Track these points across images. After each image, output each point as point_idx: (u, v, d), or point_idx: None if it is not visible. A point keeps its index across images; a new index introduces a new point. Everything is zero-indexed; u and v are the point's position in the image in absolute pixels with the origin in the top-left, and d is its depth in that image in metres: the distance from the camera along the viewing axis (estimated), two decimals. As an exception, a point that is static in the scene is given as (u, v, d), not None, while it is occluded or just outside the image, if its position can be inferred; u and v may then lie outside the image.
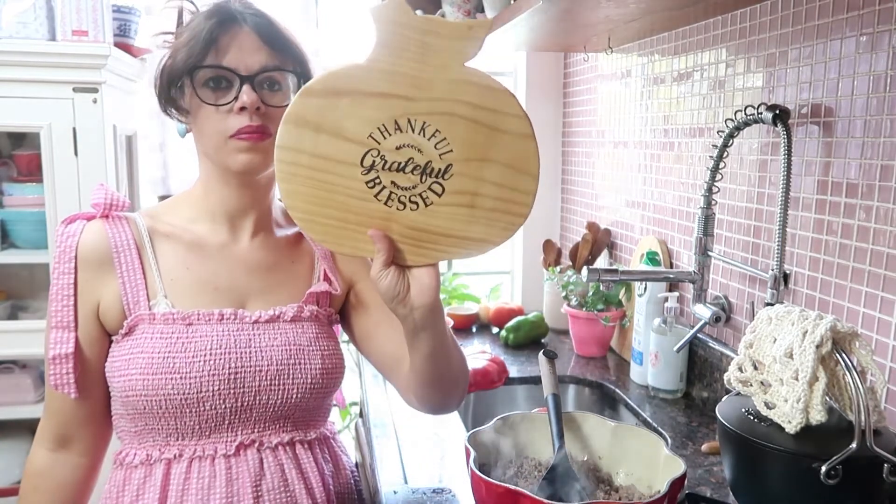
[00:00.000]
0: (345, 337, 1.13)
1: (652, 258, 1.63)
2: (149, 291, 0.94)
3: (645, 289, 1.57)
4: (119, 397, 0.93)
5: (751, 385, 0.95)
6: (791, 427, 0.86)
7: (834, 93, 1.10)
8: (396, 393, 1.08)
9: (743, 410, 0.95)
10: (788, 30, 1.20)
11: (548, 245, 2.06)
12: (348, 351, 1.84)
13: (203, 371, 0.90)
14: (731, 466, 0.95)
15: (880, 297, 1.03)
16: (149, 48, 1.95)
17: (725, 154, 1.27)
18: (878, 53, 1.02)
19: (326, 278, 1.02)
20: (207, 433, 0.93)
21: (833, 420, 0.87)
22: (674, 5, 1.30)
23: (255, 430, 0.95)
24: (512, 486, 0.84)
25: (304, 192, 0.83)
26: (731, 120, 1.23)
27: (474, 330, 2.05)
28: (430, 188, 0.83)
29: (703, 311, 1.34)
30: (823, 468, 0.82)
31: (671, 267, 1.60)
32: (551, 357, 1.12)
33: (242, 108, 0.90)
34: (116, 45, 1.78)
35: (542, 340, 1.93)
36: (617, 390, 1.56)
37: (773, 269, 1.18)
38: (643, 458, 0.98)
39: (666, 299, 1.49)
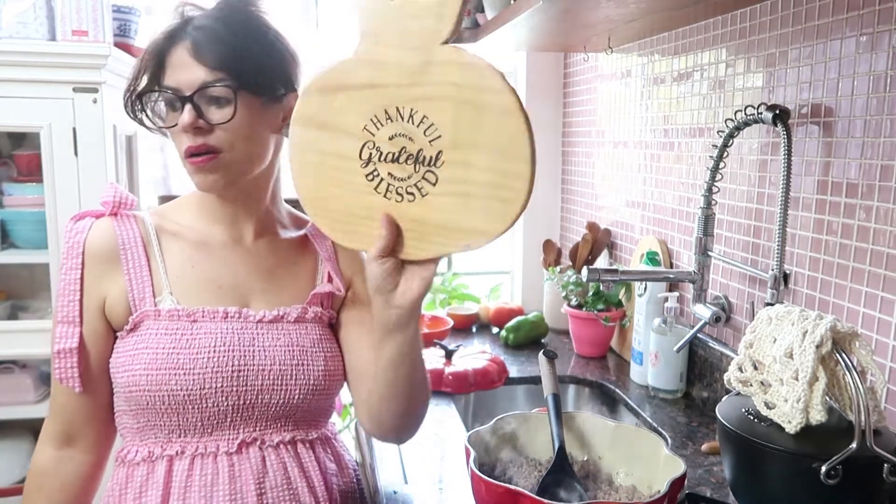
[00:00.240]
0: None
1: (652, 258, 1.63)
2: (154, 288, 0.95)
3: (645, 289, 1.57)
4: (122, 393, 0.94)
5: (751, 385, 0.95)
6: (791, 427, 0.86)
7: (834, 93, 1.10)
8: None
9: (743, 410, 0.95)
10: (788, 30, 1.20)
11: (548, 245, 2.06)
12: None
13: (207, 367, 0.91)
14: (731, 466, 0.95)
15: (880, 297, 1.03)
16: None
17: (725, 154, 1.27)
18: (878, 53, 1.02)
19: (330, 280, 1.03)
20: (210, 430, 0.93)
21: (833, 420, 0.87)
22: (674, 5, 1.30)
23: (257, 429, 0.95)
24: (512, 486, 0.84)
25: (314, 187, 0.85)
26: (731, 120, 1.23)
27: (474, 330, 2.05)
28: (423, 177, 0.81)
29: (703, 311, 1.34)
30: (823, 468, 0.82)
31: (671, 267, 1.60)
32: (551, 357, 1.12)
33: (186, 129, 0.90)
34: (116, 45, 1.78)
35: (542, 340, 1.93)
36: (617, 390, 1.56)
37: (773, 269, 1.18)
38: (643, 458, 0.98)
39: (666, 299, 1.49)
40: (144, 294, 0.94)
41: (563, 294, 1.83)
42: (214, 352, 0.92)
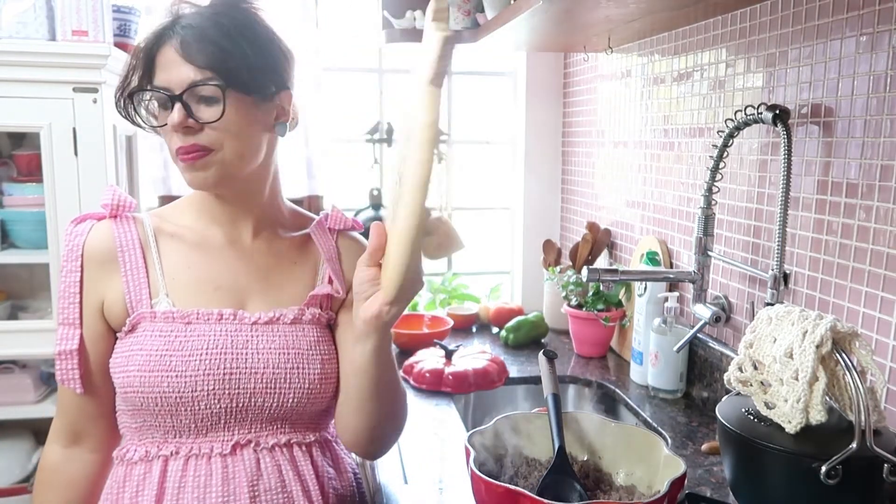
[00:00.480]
0: None
1: (652, 258, 1.63)
2: (151, 290, 0.95)
3: (645, 289, 1.57)
4: (120, 393, 0.95)
5: (751, 385, 0.95)
6: (791, 427, 0.86)
7: (834, 93, 1.10)
8: None
9: (743, 410, 0.95)
10: (788, 30, 1.20)
11: (548, 245, 2.06)
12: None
13: (198, 370, 0.91)
14: (731, 466, 0.95)
15: (880, 297, 1.03)
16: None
17: (725, 154, 1.27)
18: (878, 53, 1.02)
19: (331, 281, 1.02)
20: (204, 432, 0.93)
21: (833, 420, 0.87)
22: (674, 5, 1.30)
23: (252, 431, 0.95)
24: (512, 486, 0.84)
25: None
26: (731, 120, 1.23)
27: (474, 330, 2.05)
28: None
29: (703, 311, 1.34)
30: (823, 468, 0.82)
31: (671, 267, 1.60)
32: (551, 357, 1.12)
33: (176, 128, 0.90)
34: (116, 45, 1.78)
35: (542, 340, 1.93)
36: (617, 390, 1.56)
37: (773, 269, 1.18)
38: (643, 458, 0.98)
39: (666, 299, 1.49)
40: (141, 296, 0.94)
41: (563, 294, 1.83)
42: (206, 354, 0.92)
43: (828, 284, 1.14)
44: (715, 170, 1.28)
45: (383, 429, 0.99)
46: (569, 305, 1.80)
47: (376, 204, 2.16)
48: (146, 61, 0.91)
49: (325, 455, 1.02)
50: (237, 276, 0.98)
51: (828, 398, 0.87)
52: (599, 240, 1.90)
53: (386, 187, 2.22)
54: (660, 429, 1.34)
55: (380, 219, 2.09)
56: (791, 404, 0.87)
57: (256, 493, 0.92)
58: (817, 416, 0.85)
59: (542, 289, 2.11)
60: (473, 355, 1.65)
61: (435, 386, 1.53)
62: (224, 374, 0.92)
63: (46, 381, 1.95)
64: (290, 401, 0.95)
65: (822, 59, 1.12)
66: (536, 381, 1.64)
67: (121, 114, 0.96)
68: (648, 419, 1.39)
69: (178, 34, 0.90)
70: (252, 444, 0.94)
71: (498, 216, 2.36)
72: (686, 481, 0.94)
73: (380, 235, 0.84)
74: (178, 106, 0.88)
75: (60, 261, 0.98)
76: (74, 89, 1.71)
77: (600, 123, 1.95)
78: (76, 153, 1.73)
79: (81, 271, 0.96)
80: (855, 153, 1.07)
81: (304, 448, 0.98)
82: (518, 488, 0.84)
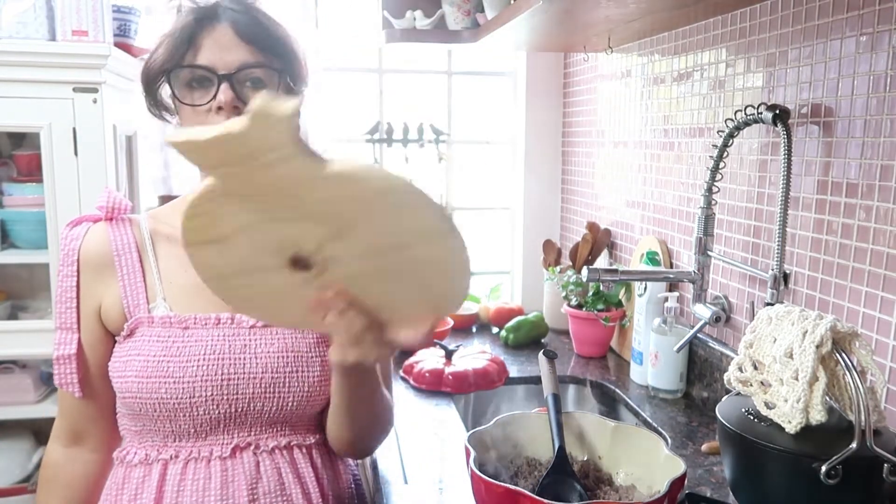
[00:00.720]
0: None
1: (652, 258, 1.63)
2: (148, 294, 0.95)
3: (645, 289, 1.57)
4: (118, 397, 0.95)
5: (751, 385, 0.95)
6: (791, 427, 0.86)
7: (834, 93, 1.10)
8: (396, 393, 1.08)
9: (743, 410, 0.95)
10: (788, 30, 1.20)
11: (548, 245, 2.06)
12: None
13: (196, 376, 0.90)
14: (731, 466, 0.95)
15: (880, 297, 1.03)
16: (149, 48, 1.95)
17: (725, 154, 1.27)
18: (878, 53, 1.02)
19: None
20: (203, 435, 0.93)
21: (833, 420, 0.87)
22: (674, 5, 1.30)
23: (251, 434, 0.95)
24: (512, 486, 0.84)
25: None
26: (731, 120, 1.23)
27: (474, 330, 2.05)
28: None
29: (703, 311, 1.34)
30: (823, 468, 0.82)
31: (671, 267, 1.60)
32: (551, 357, 1.12)
33: (220, 108, 0.88)
34: (116, 45, 1.78)
35: (542, 340, 1.93)
36: (617, 390, 1.56)
37: (773, 269, 1.18)
38: (643, 458, 0.98)
39: (666, 299, 1.49)
40: (138, 300, 0.94)
41: (563, 294, 1.83)
42: (204, 360, 0.91)
43: (828, 284, 1.14)
44: (715, 170, 1.28)
45: (363, 439, 1.00)
46: (569, 305, 1.80)
47: (376, 204, 2.16)
48: (187, 41, 0.90)
49: (326, 456, 1.02)
50: None
51: (828, 398, 0.87)
52: (599, 240, 1.90)
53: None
54: (660, 429, 1.34)
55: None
56: (791, 404, 0.87)
57: (255, 497, 0.92)
58: (817, 416, 0.85)
59: (542, 289, 2.11)
60: (473, 355, 1.65)
61: (435, 386, 1.53)
62: (222, 379, 0.91)
63: (46, 381, 1.95)
64: (290, 404, 0.94)
65: (822, 59, 1.12)
66: (536, 381, 1.64)
67: (147, 93, 0.95)
68: (648, 419, 1.39)
69: (230, 17, 0.90)
70: (252, 447, 0.94)
71: (498, 216, 2.36)
72: (686, 481, 0.94)
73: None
74: (225, 86, 0.88)
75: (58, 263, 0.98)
76: (74, 89, 1.71)
77: (600, 123, 1.95)
78: (76, 153, 1.73)
79: (78, 276, 0.95)
80: (855, 153, 1.07)
81: (304, 450, 0.98)
82: (518, 488, 0.84)
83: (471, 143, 2.31)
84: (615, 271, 1.41)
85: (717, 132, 1.29)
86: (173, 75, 0.91)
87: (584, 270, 1.41)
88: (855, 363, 0.86)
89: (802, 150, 1.18)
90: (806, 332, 0.88)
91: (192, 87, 0.90)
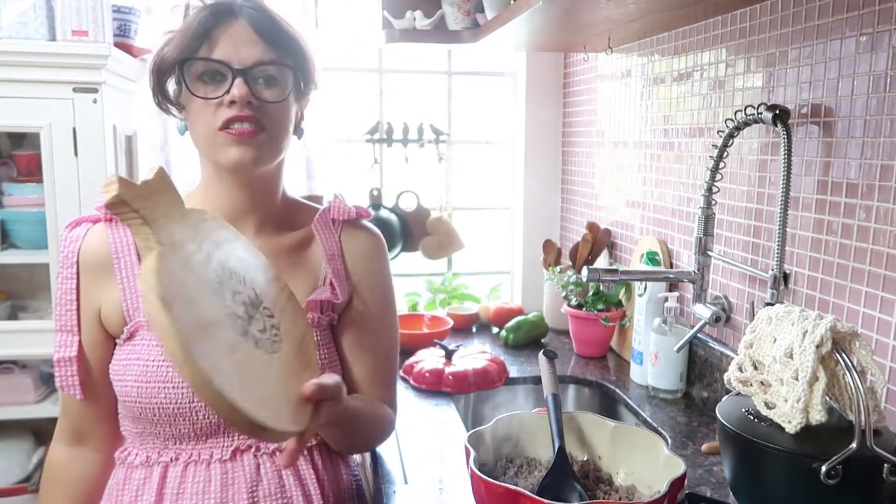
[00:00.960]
0: None
1: (652, 258, 1.63)
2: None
3: (645, 289, 1.57)
4: (119, 400, 0.94)
5: (751, 385, 0.95)
6: (791, 427, 0.86)
7: (834, 93, 1.10)
8: (397, 393, 1.09)
9: (743, 410, 0.95)
10: (788, 30, 1.20)
11: (548, 245, 2.06)
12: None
13: None
14: (731, 466, 0.95)
15: (880, 297, 1.03)
16: (149, 48, 1.95)
17: (725, 154, 1.27)
18: (878, 53, 1.02)
19: (331, 285, 1.01)
20: (204, 438, 0.93)
21: (833, 420, 0.87)
22: (674, 5, 1.30)
23: None
24: (512, 486, 0.84)
25: (254, 394, 0.73)
26: (731, 120, 1.23)
27: (474, 330, 2.05)
28: (266, 317, 0.82)
29: (703, 311, 1.34)
30: (823, 468, 0.82)
31: (671, 267, 1.60)
32: (551, 357, 1.12)
33: (233, 102, 0.88)
34: (116, 45, 1.78)
35: (542, 340, 1.93)
36: (617, 390, 1.56)
37: (773, 269, 1.18)
38: (643, 458, 0.98)
39: (666, 299, 1.49)
40: (137, 303, 0.93)
41: (563, 294, 1.83)
42: None
43: (828, 284, 1.14)
44: (715, 170, 1.28)
45: (360, 449, 1.03)
46: (569, 305, 1.80)
47: (376, 204, 2.16)
48: (202, 36, 0.90)
49: (327, 458, 1.02)
50: None
51: (828, 398, 0.87)
52: (599, 240, 1.90)
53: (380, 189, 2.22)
54: (660, 429, 1.34)
55: (380, 218, 2.10)
56: (791, 404, 0.87)
57: (256, 499, 0.92)
58: (817, 416, 0.85)
59: (542, 289, 2.11)
60: (473, 355, 1.65)
61: (435, 386, 1.53)
62: None
63: (46, 381, 1.95)
64: None
65: (822, 59, 1.12)
66: (536, 381, 1.64)
67: (156, 86, 0.94)
68: (648, 419, 1.39)
69: (247, 14, 0.91)
70: (252, 450, 0.94)
71: (498, 216, 2.36)
72: (686, 481, 0.94)
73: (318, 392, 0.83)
74: (239, 80, 0.88)
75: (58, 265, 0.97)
76: (74, 89, 1.71)
77: (600, 123, 1.95)
78: (76, 153, 1.73)
79: (77, 278, 0.95)
80: (855, 153, 1.07)
81: (305, 452, 0.98)
82: (518, 488, 0.84)
83: (471, 143, 2.31)
84: (615, 271, 1.41)
85: (717, 132, 1.29)
86: (186, 68, 0.91)
87: (584, 270, 1.41)
88: (855, 363, 0.86)
89: (802, 150, 1.18)
90: (806, 332, 0.88)
91: (205, 80, 0.90)
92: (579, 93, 2.08)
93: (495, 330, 2.02)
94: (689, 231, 1.52)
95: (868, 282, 1.06)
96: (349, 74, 2.21)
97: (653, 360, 1.49)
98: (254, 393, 0.72)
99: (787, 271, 1.22)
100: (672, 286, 1.53)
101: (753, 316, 1.10)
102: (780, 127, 1.13)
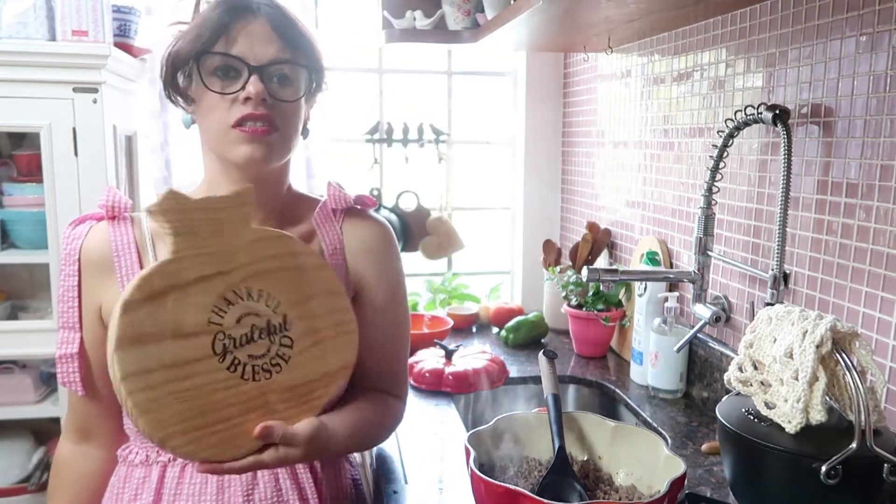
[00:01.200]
0: None
1: (652, 258, 1.63)
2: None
3: (645, 289, 1.57)
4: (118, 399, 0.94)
5: (751, 385, 0.95)
6: (791, 427, 0.86)
7: (834, 93, 1.10)
8: (408, 381, 1.10)
9: (743, 410, 0.95)
10: (788, 30, 1.20)
11: (548, 245, 2.06)
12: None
13: None
14: (731, 466, 0.95)
15: (880, 297, 1.03)
16: (149, 48, 1.95)
17: (725, 154, 1.27)
18: (878, 53, 1.02)
19: None
20: None
21: (833, 420, 0.87)
22: (674, 5, 1.30)
23: None
24: (512, 486, 0.84)
25: (172, 414, 0.78)
26: (731, 120, 1.23)
27: (474, 330, 2.05)
28: (281, 345, 0.86)
29: (703, 311, 1.34)
30: (823, 468, 0.82)
31: (671, 267, 1.60)
32: (551, 357, 1.12)
33: (248, 99, 0.88)
34: (116, 45, 1.78)
35: (542, 340, 1.93)
36: (617, 390, 1.56)
37: (773, 269, 1.18)
38: (643, 458, 0.98)
39: (666, 299, 1.49)
40: None
41: (563, 294, 1.83)
42: None
43: (828, 284, 1.14)
44: (715, 170, 1.28)
45: (359, 451, 1.02)
46: (569, 305, 1.80)
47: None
48: (221, 30, 0.89)
49: (326, 459, 1.02)
50: None
51: (828, 398, 0.87)
52: (599, 240, 1.90)
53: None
54: (660, 429, 1.34)
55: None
56: (791, 404, 0.87)
57: (251, 502, 0.92)
58: (817, 416, 0.85)
59: (542, 289, 2.11)
60: (473, 355, 1.65)
61: (435, 386, 1.53)
62: None
63: (46, 381, 1.95)
64: None
65: (822, 59, 1.12)
66: (536, 381, 1.64)
67: (168, 79, 0.94)
68: (648, 419, 1.39)
69: (266, 12, 0.91)
70: None
71: (498, 216, 2.36)
72: (686, 481, 0.94)
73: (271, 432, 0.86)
74: (255, 77, 0.88)
75: (60, 263, 0.98)
76: (74, 89, 1.71)
77: (600, 123, 1.95)
78: (76, 153, 1.73)
79: (79, 275, 0.95)
80: (855, 153, 1.07)
81: None
82: (518, 488, 0.84)
83: (471, 143, 2.31)
84: (615, 271, 1.41)
85: (717, 132, 1.29)
86: (202, 61, 0.90)
87: (584, 270, 1.41)
88: (855, 363, 0.86)
89: (802, 150, 1.18)
90: (806, 332, 0.88)
91: (218, 75, 0.90)
92: (579, 93, 2.08)
93: (495, 330, 2.02)
94: (689, 231, 1.52)
95: (868, 282, 1.06)
96: (349, 74, 2.21)
97: (653, 360, 1.49)
98: (176, 411, 0.78)
99: (787, 271, 1.22)
100: (672, 286, 1.53)
101: (753, 316, 1.10)
102: (780, 127, 1.13)
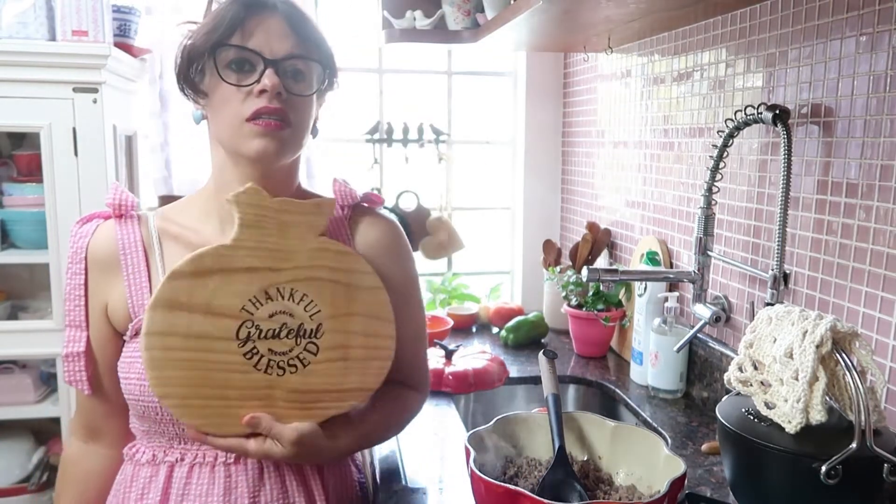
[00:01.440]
0: None
1: (652, 258, 1.63)
2: (153, 294, 0.94)
3: (645, 289, 1.57)
4: (125, 396, 0.94)
5: (751, 385, 0.95)
6: (791, 427, 0.86)
7: (834, 93, 1.10)
8: (428, 370, 1.12)
9: (743, 410, 0.95)
10: (788, 30, 1.20)
11: (548, 245, 2.06)
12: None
13: None
14: (731, 466, 0.95)
15: (880, 297, 1.03)
16: (149, 48, 1.95)
17: (725, 154, 1.27)
18: (878, 53, 1.02)
19: None
20: None
21: (833, 420, 0.87)
22: (674, 5, 1.30)
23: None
24: (512, 486, 0.84)
25: (178, 377, 0.85)
26: (731, 120, 1.23)
27: (474, 330, 2.05)
28: (305, 349, 0.89)
29: (703, 311, 1.34)
30: (823, 468, 0.82)
31: (671, 267, 1.60)
32: (551, 357, 1.12)
33: (263, 92, 0.88)
34: (116, 45, 1.78)
35: (542, 340, 1.93)
36: (617, 390, 1.56)
37: (773, 269, 1.18)
38: (643, 458, 0.98)
39: (666, 299, 1.49)
40: (143, 301, 0.93)
41: (563, 294, 1.83)
42: None
43: (828, 284, 1.14)
44: (715, 170, 1.28)
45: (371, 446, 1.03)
46: (569, 305, 1.80)
47: (376, 204, 2.16)
48: (238, 24, 0.90)
49: (335, 465, 1.02)
50: None
51: (828, 398, 0.87)
52: (599, 240, 1.90)
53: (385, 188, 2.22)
54: (660, 429, 1.34)
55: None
56: (791, 404, 0.87)
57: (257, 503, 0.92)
58: (817, 416, 0.85)
59: (542, 289, 2.11)
60: (473, 355, 1.65)
61: (435, 386, 1.53)
62: None
63: (46, 381, 1.95)
64: None
65: (822, 59, 1.12)
66: (536, 381, 1.64)
67: (182, 72, 0.93)
68: (648, 419, 1.39)
69: (282, 8, 0.92)
70: None
71: (498, 216, 2.36)
72: (686, 481, 0.94)
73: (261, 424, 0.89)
74: (270, 71, 0.89)
75: (62, 261, 0.98)
76: (74, 89, 1.71)
77: (600, 123, 1.95)
78: (76, 153, 1.73)
79: (86, 273, 0.95)
80: (855, 153, 1.07)
81: None
82: (518, 488, 0.84)
83: (471, 143, 2.31)
84: (615, 271, 1.41)
85: (717, 132, 1.29)
86: (217, 54, 0.90)
87: (584, 270, 1.41)
88: (855, 363, 0.86)
89: (802, 150, 1.18)
90: (806, 332, 0.88)
91: (233, 68, 0.90)
92: (579, 93, 2.08)
93: (495, 330, 2.02)
94: (689, 231, 1.52)
95: (868, 282, 1.06)
96: (349, 74, 2.21)
97: (653, 360, 1.49)
98: (182, 375, 0.85)
99: (787, 271, 1.22)
100: (672, 286, 1.53)
101: (753, 316, 1.10)
102: (780, 127, 1.13)
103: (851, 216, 1.08)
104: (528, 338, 1.89)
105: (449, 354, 1.62)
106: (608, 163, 1.91)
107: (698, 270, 1.35)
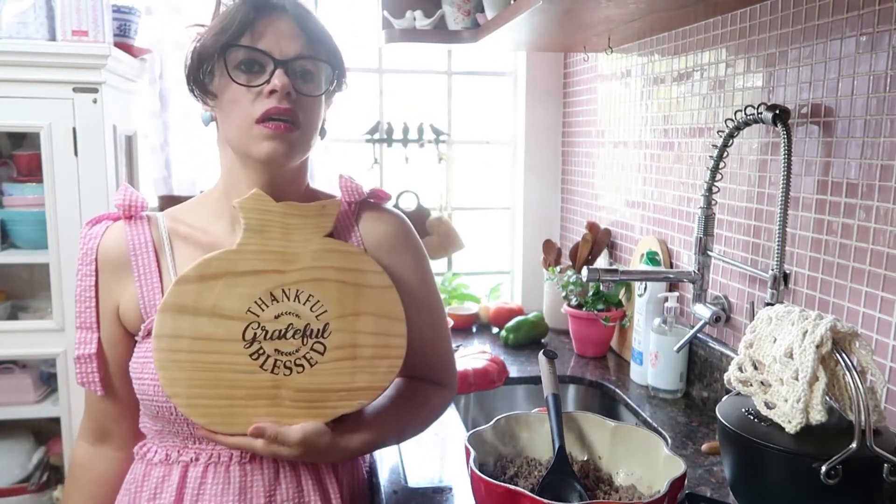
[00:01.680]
0: None
1: (652, 258, 1.63)
2: (164, 295, 0.94)
3: (645, 289, 1.57)
4: (138, 397, 0.95)
5: (751, 385, 0.95)
6: (791, 427, 0.86)
7: (834, 93, 1.10)
8: (455, 364, 1.12)
9: (743, 410, 0.95)
10: (788, 30, 1.20)
11: (548, 245, 2.06)
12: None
13: None
14: (731, 466, 0.95)
15: (880, 297, 1.03)
16: (149, 48, 1.95)
17: (725, 154, 1.27)
18: (878, 53, 1.02)
19: None
20: None
21: (833, 420, 0.87)
22: (674, 5, 1.30)
23: None
24: (512, 486, 0.84)
25: (186, 378, 0.87)
26: (731, 120, 1.23)
27: (474, 330, 2.05)
28: (312, 349, 0.90)
29: (703, 311, 1.34)
30: (823, 468, 0.82)
31: (671, 267, 1.60)
32: (551, 357, 1.12)
33: (272, 92, 0.88)
34: (116, 45, 1.78)
35: (542, 340, 1.93)
36: (617, 390, 1.56)
37: (773, 269, 1.18)
38: (643, 458, 0.98)
39: (666, 299, 1.49)
40: (154, 301, 0.93)
41: (563, 294, 1.83)
42: None
43: (828, 284, 1.14)
44: (715, 170, 1.28)
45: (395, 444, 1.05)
46: (569, 305, 1.80)
47: (376, 204, 2.16)
48: (248, 24, 0.90)
49: (348, 461, 1.02)
50: None
51: (828, 398, 0.87)
52: (599, 240, 1.90)
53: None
54: (660, 429, 1.34)
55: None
56: (791, 404, 0.87)
57: (273, 503, 0.92)
58: (817, 416, 0.85)
59: (542, 289, 2.11)
60: (473, 355, 1.65)
61: (435, 386, 1.53)
62: None
63: (46, 381, 1.95)
64: None
65: (822, 59, 1.12)
66: (536, 381, 1.64)
67: (192, 73, 0.93)
68: (648, 419, 1.39)
69: (291, 9, 0.92)
70: None
71: (498, 216, 2.36)
72: (686, 481, 0.95)
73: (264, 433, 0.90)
74: (280, 71, 0.89)
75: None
76: (74, 89, 1.71)
77: (600, 123, 1.95)
78: (76, 153, 1.73)
79: (96, 275, 0.95)
80: (855, 153, 1.07)
81: None
82: (518, 488, 0.84)
83: (471, 143, 2.31)
84: (615, 271, 1.41)
85: (717, 132, 1.29)
86: (227, 55, 0.90)
87: (584, 270, 1.41)
88: (855, 363, 0.86)
89: (802, 150, 1.18)
90: (806, 332, 0.88)
91: (242, 69, 0.90)
92: (579, 93, 2.08)
93: (495, 330, 2.02)
94: (689, 231, 1.52)
95: (868, 282, 1.06)
96: (349, 74, 2.20)
97: (653, 360, 1.49)
98: (190, 375, 0.87)
99: (787, 271, 1.22)
100: (672, 286, 1.53)
101: (753, 316, 1.10)
102: (780, 127, 1.13)
103: (851, 216, 1.08)
104: (528, 338, 1.89)
105: (449, 354, 1.62)
106: (608, 163, 1.91)
107: (698, 270, 1.35)
